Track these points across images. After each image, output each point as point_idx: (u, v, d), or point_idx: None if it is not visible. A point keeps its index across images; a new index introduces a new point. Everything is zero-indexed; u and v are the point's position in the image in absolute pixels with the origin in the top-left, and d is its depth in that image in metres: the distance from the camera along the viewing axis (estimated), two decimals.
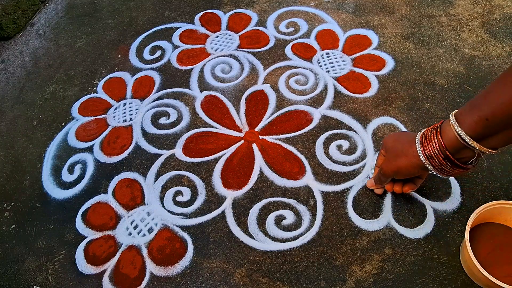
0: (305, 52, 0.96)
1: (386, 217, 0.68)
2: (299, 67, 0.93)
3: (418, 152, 0.52)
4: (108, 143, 0.85)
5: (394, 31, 0.98)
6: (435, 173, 0.52)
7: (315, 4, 1.09)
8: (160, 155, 0.82)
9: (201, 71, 0.96)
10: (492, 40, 0.94)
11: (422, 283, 0.61)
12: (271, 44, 1.00)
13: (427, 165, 0.51)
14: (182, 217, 0.72)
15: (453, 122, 0.47)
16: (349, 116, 0.83)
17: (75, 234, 0.73)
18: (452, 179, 0.72)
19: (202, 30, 1.07)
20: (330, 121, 0.82)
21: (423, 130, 0.53)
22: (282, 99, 0.88)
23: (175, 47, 1.03)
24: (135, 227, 0.72)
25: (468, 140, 0.46)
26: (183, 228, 0.71)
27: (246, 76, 0.93)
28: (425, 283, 0.61)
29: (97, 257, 0.69)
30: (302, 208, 0.71)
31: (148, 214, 0.73)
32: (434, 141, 0.50)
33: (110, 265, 0.68)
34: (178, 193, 0.75)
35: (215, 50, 1.00)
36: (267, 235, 0.68)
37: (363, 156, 0.77)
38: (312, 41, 0.99)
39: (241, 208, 0.72)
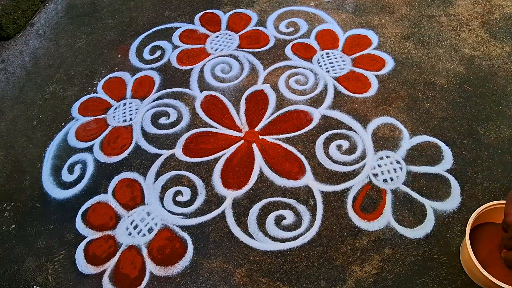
0: (305, 52, 0.96)
1: (386, 217, 0.68)
2: (299, 67, 0.93)
3: None
4: (108, 143, 0.85)
5: (394, 31, 0.98)
6: None
7: (315, 4, 1.08)
8: (160, 155, 0.81)
9: (201, 71, 0.96)
10: (492, 40, 0.94)
11: (422, 283, 0.61)
12: (271, 44, 1.00)
13: None
14: (182, 217, 0.72)
15: None
16: (349, 116, 0.83)
17: (75, 234, 0.73)
18: (452, 179, 0.72)
19: (202, 30, 1.07)
20: (330, 121, 0.82)
21: None
22: (282, 99, 0.88)
23: (175, 47, 1.03)
24: (135, 227, 0.72)
25: None
26: (183, 228, 0.71)
27: (246, 76, 0.93)
28: (425, 283, 0.61)
29: (97, 257, 0.69)
30: (302, 208, 0.71)
31: (148, 214, 0.73)
32: None
33: (110, 265, 0.68)
34: (178, 193, 0.75)
35: (215, 50, 1.00)
36: (267, 235, 0.68)
37: (363, 156, 0.76)
38: (312, 41, 0.99)
39: (241, 208, 0.72)
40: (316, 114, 0.84)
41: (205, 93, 0.91)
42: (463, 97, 0.83)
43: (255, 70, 0.94)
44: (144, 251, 0.69)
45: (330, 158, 0.77)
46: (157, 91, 0.93)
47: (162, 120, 0.87)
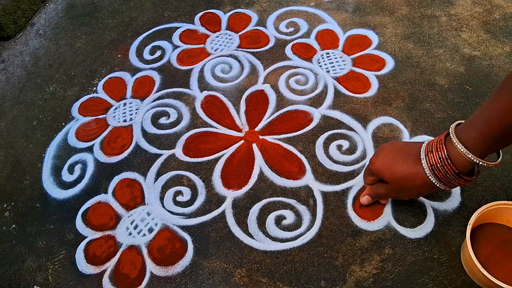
0: (305, 52, 0.96)
1: (386, 217, 0.68)
2: (299, 67, 0.93)
3: (426, 171, 0.53)
4: (108, 143, 0.85)
5: (394, 31, 0.98)
6: (442, 188, 0.54)
7: (315, 4, 1.09)
8: (160, 155, 0.82)
9: (201, 71, 0.96)
10: (492, 40, 0.94)
11: (422, 283, 0.61)
12: (271, 44, 1.00)
13: (435, 182, 0.53)
14: (182, 217, 0.72)
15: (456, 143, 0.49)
16: (349, 116, 0.83)
17: (75, 234, 0.73)
18: None
19: (202, 30, 1.07)
20: (330, 121, 0.82)
21: (423, 151, 0.54)
22: (282, 99, 0.88)
23: (175, 47, 1.03)
24: (135, 227, 0.72)
25: (475, 160, 0.48)
26: (183, 228, 0.71)
27: (246, 76, 0.93)
28: (425, 283, 0.61)
29: (97, 257, 0.69)
30: (302, 208, 0.71)
31: (148, 214, 0.73)
32: (440, 157, 0.51)
33: (110, 265, 0.68)
34: (178, 193, 0.75)
35: (215, 50, 1.00)
36: (267, 235, 0.68)
37: (363, 156, 0.77)
38: (312, 41, 0.99)
39: (241, 208, 0.72)
40: (316, 114, 0.84)
41: (205, 93, 0.91)
42: (463, 97, 0.83)
43: (255, 70, 0.94)
44: (144, 251, 0.69)
45: (330, 158, 0.77)
46: (157, 91, 0.93)
47: (162, 120, 0.87)
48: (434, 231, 0.66)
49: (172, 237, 0.70)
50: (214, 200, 0.74)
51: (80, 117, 0.91)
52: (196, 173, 0.78)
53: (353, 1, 1.07)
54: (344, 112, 0.84)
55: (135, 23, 1.12)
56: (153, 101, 0.92)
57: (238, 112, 0.87)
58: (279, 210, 0.71)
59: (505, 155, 0.74)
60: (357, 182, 0.73)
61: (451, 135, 0.50)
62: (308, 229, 0.68)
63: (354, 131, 0.80)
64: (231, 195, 0.74)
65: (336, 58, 0.94)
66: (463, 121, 0.52)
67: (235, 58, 0.98)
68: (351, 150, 0.78)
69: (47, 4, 1.22)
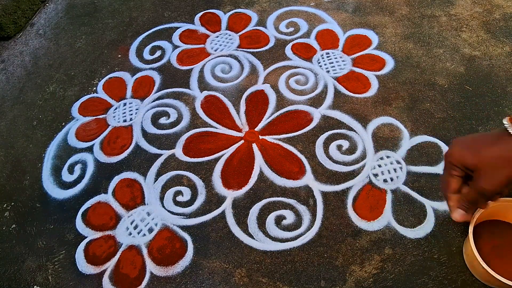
0: (305, 52, 0.96)
1: (386, 217, 0.68)
2: (299, 67, 0.93)
3: None
4: (108, 143, 0.85)
5: (394, 31, 0.98)
6: None
7: (315, 4, 1.09)
8: (160, 155, 0.82)
9: (201, 71, 0.96)
10: (492, 40, 0.94)
11: (422, 283, 0.61)
12: (271, 44, 1.00)
13: None
14: (182, 217, 0.72)
15: None
16: (349, 116, 0.83)
17: (75, 234, 0.73)
18: None
19: (202, 30, 1.07)
20: (330, 121, 0.82)
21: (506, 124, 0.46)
22: (282, 99, 0.88)
23: (175, 47, 1.03)
24: (135, 227, 0.72)
25: None
26: (183, 228, 0.71)
27: (246, 76, 0.93)
28: (425, 283, 0.61)
29: (97, 257, 0.69)
30: (302, 208, 0.71)
31: (148, 214, 0.73)
32: None
33: (110, 265, 0.68)
34: (178, 193, 0.75)
35: (215, 50, 1.00)
36: (267, 235, 0.68)
37: (363, 156, 0.77)
38: (312, 41, 0.99)
39: (241, 208, 0.72)
40: (316, 114, 0.84)
41: (205, 93, 0.91)
42: (463, 97, 0.83)
43: (255, 70, 0.94)
44: (144, 251, 0.69)
45: (330, 158, 0.77)
46: (157, 91, 0.93)
47: (162, 120, 0.87)
48: (434, 231, 0.66)
49: (172, 237, 0.70)
50: (214, 200, 0.74)
51: (80, 117, 0.91)
52: (196, 173, 0.78)
53: (353, 1, 1.07)
54: (344, 112, 0.84)
55: (135, 23, 1.12)
56: (153, 101, 0.92)
57: (238, 112, 0.87)
58: (279, 210, 0.71)
59: None
60: (357, 182, 0.73)
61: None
62: (308, 229, 0.68)
63: (354, 131, 0.80)
64: (231, 195, 0.74)
65: (336, 58, 0.94)
66: None
67: (235, 58, 0.98)
68: (351, 150, 0.78)
69: (47, 4, 1.22)
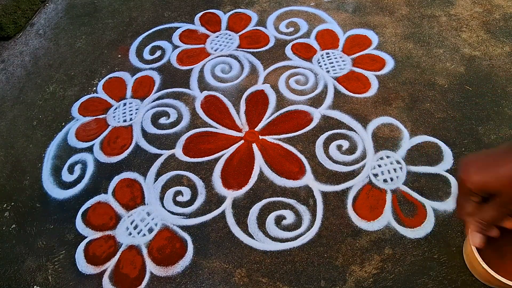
0: (305, 52, 0.96)
1: (386, 217, 0.68)
2: (299, 67, 0.93)
3: None
4: (108, 143, 0.85)
5: (394, 31, 0.98)
6: None
7: (315, 4, 1.09)
8: (160, 155, 0.81)
9: (201, 71, 0.96)
10: (492, 40, 0.94)
11: (422, 283, 0.61)
12: (271, 44, 1.00)
13: None
14: (182, 217, 0.72)
15: None
16: (349, 116, 0.83)
17: (75, 234, 0.73)
18: (452, 179, 0.72)
19: (202, 30, 1.07)
20: (330, 121, 0.82)
21: None
22: (282, 99, 0.88)
23: (175, 47, 1.03)
24: (135, 227, 0.72)
25: None
26: (183, 228, 0.71)
27: (246, 76, 0.93)
28: (425, 283, 0.61)
29: (97, 257, 0.69)
30: (302, 208, 0.71)
31: (148, 214, 0.73)
32: None
33: (110, 265, 0.68)
34: (178, 193, 0.75)
35: (215, 50, 1.00)
36: (267, 235, 0.68)
37: (363, 156, 0.77)
38: (312, 41, 0.99)
39: (241, 208, 0.72)
40: (316, 114, 0.84)
41: (205, 93, 0.91)
42: (463, 97, 0.83)
43: (255, 70, 0.94)
44: (144, 251, 0.69)
45: (330, 158, 0.77)
46: (157, 91, 0.93)
47: (162, 120, 0.87)
48: (434, 231, 0.66)
49: (172, 237, 0.70)
50: (214, 200, 0.74)
51: (80, 117, 0.91)
52: (196, 173, 0.78)
53: (353, 1, 1.07)
54: (344, 112, 0.84)
55: (135, 23, 1.12)
56: (153, 101, 0.92)
57: (238, 112, 0.87)
58: (279, 210, 0.71)
59: None
60: (357, 182, 0.73)
61: None
62: (308, 229, 0.68)
63: (354, 131, 0.80)
64: (231, 195, 0.74)
65: (336, 58, 0.94)
66: None
67: (235, 58, 0.98)
68: (351, 150, 0.78)
69: (47, 4, 1.22)
